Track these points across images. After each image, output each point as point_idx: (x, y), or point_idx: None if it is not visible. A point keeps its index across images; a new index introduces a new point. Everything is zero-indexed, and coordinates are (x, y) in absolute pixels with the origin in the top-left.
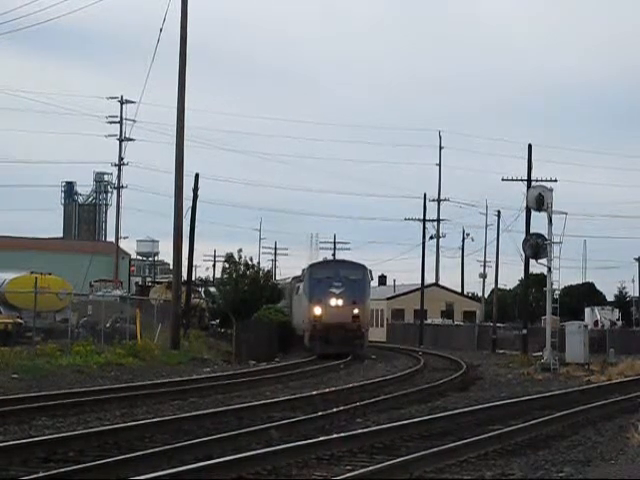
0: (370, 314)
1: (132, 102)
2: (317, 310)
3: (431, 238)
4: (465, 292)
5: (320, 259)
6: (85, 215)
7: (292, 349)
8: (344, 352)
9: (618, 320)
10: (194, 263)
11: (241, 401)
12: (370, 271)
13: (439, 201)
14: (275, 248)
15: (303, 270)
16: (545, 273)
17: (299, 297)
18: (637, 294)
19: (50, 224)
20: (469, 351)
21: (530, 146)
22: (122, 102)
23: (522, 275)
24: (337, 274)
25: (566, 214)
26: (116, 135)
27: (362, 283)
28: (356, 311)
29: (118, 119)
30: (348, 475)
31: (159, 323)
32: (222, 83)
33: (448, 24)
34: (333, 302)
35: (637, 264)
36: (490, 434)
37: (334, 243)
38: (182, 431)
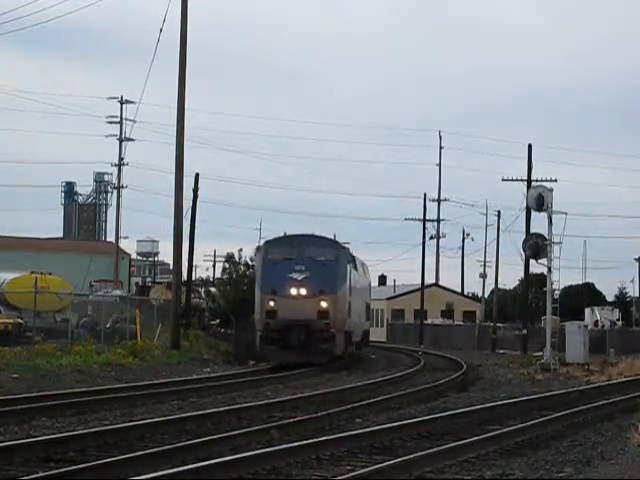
0: (348, 308)
1: (132, 102)
2: (271, 303)
3: (431, 238)
4: (465, 292)
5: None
6: (85, 215)
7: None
8: (307, 361)
9: (618, 320)
10: (194, 263)
11: (241, 401)
12: (347, 250)
13: (439, 201)
14: None
15: (257, 248)
16: (545, 273)
17: None
18: (637, 294)
19: (50, 224)
20: (469, 351)
21: (530, 146)
22: (122, 102)
23: (522, 275)
24: (300, 254)
25: (566, 214)
26: (116, 135)
27: (334, 266)
28: (324, 304)
29: (118, 119)
30: (348, 475)
31: (159, 323)
32: (222, 83)
33: (448, 24)
34: (293, 292)
35: (637, 264)
36: (490, 434)
37: None
38: (182, 431)
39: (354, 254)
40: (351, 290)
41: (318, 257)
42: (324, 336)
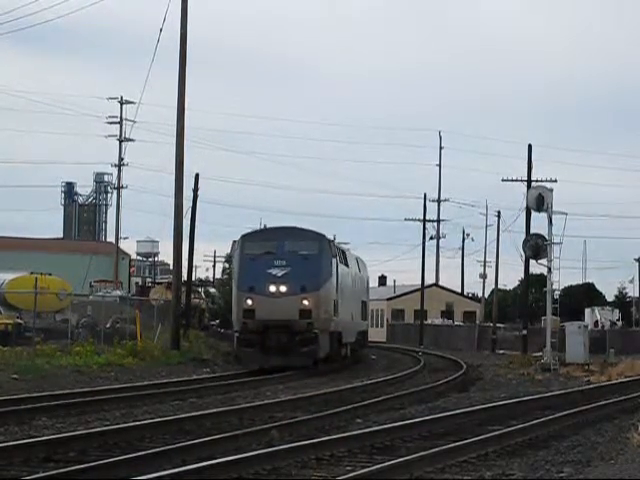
0: (335, 306)
1: (132, 102)
2: (248, 302)
3: (431, 238)
4: (465, 292)
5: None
6: (85, 215)
7: None
8: (288, 365)
9: (618, 320)
10: (194, 263)
11: (242, 401)
12: (333, 243)
13: (439, 201)
14: None
15: (234, 243)
16: (545, 273)
17: None
18: (637, 294)
19: (50, 224)
20: (469, 351)
21: (530, 146)
22: (122, 102)
23: (522, 275)
24: (281, 249)
25: (566, 214)
26: (116, 135)
27: (318, 261)
28: (306, 302)
29: (118, 119)
30: (348, 475)
31: (159, 323)
32: (222, 83)
33: (448, 23)
34: (272, 289)
35: (637, 264)
36: (490, 434)
37: None
38: (183, 431)
39: (351, 250)
40: (339, 287)
41: (300, 251)
42: (306, 337)
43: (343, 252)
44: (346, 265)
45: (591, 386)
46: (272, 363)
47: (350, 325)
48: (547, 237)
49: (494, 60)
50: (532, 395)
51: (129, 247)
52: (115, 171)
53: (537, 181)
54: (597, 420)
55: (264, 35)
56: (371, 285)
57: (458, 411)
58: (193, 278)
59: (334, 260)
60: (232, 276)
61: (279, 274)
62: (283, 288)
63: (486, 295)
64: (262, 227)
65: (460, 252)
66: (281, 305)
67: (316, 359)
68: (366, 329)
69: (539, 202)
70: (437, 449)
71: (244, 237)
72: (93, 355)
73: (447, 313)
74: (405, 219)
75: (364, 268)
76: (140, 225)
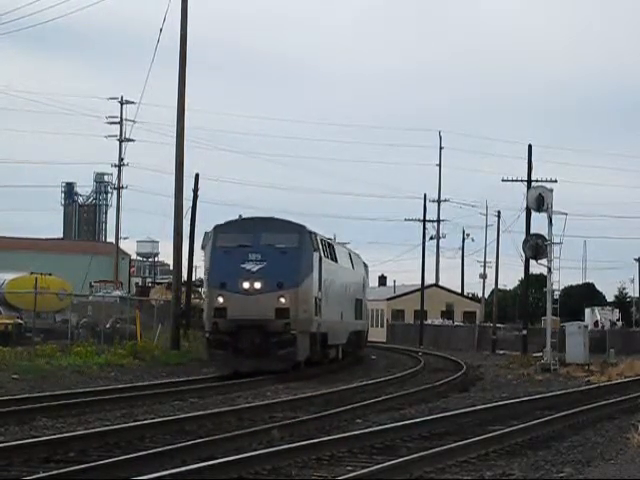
0: (316, 304)
1: (132, 103)
2: (219, 299)
3: (431, 239)
4: (465, 292)
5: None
6: (85, 216)
7: None
8: (263, 369)
9: (618, 320)
10: (194, 263)
11: (242, 401)
12: (315, 235)
13: (439, 202)
14: None
15: (206, 235)
16: (545, 273)
17: None
18: (637, 294)
19: (50, 224)
20: (469, 352)
21: (530, 146)
22: (122, 103)
23: (522, 276)
24: (256, 241)
25: (566, 214)
26: (116, 136)
27: (297, 255)
28: (283, 301)
29: (118, 120)
30: (348, 475)
31: (159, 324)
32: (222, 83)
33: (448, 23)
34: (246, 286)
35: (637, 264)
36: (490, 434)
37: None
38: (183, 431)
39: (350, 246)
40: (322, 283)
41: (277, 244)
42: (283, 339)
43: (330, 246)
44: (334, 260)
45: (591, 386)
46: (245, 367)
47: (339, 325)
48: (547, 237)
49: (494, 59)
50: (532, 395)
51: (129, 247)
52: (115, 171)
53: (537, 181)
54: (597, 420)
55: (264, 35)
56: (371, 285)
57: (458, 411)
58: (193, 278)
59: (316, 254)
60: (204, 271)
61: (254, 269)
62: (258, 284)
63: (486, 295)
64: (239, 216)
65: (460, 252)
66: (255, 303)
67: (295, 362)
68: (362, 329)
69: (539, 202)
70: (437, 449)
71: (217, 228)
72: (93, 355)
73: (447, 313)
74: (405, 219)
75: (359, 264)
76: (140, 225)
